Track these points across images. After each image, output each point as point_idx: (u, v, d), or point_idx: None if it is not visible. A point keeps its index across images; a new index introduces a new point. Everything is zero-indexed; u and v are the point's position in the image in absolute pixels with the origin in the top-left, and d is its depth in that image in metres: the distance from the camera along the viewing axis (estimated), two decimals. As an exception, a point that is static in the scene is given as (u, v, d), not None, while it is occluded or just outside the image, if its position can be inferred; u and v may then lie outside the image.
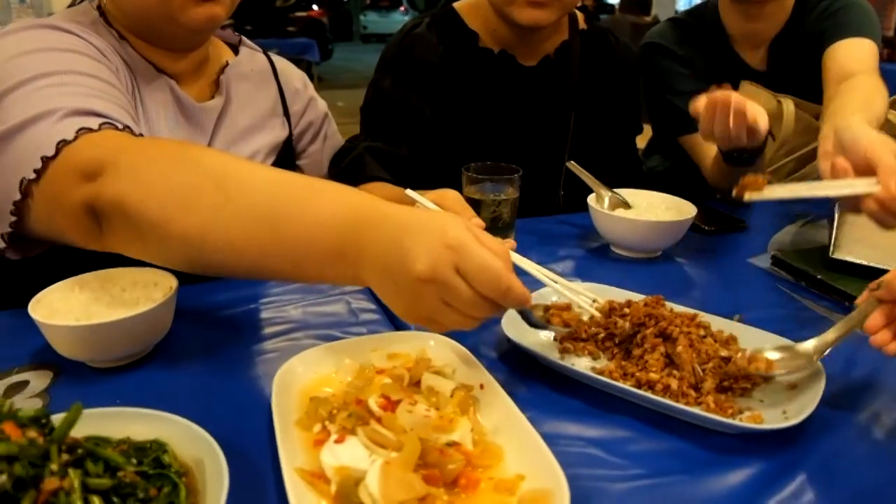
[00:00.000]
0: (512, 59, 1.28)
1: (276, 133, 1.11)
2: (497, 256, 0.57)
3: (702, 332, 0.72)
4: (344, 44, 17.05)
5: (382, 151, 1.20)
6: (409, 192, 0.84)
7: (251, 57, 1.13)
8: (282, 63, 1.18)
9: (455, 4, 1.33)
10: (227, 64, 1.06)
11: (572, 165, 1.17)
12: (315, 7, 10.90)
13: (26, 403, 0.65)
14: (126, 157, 0.67)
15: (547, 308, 0.75)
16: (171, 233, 0.64)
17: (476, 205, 1.03)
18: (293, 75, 1.19)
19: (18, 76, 0.75)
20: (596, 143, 1.36)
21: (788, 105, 1.41)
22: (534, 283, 0.70)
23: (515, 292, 0.57)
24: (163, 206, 0.64)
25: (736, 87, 1.40)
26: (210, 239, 0.64)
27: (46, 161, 0.69)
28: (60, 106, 0.72)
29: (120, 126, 0.73)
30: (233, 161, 0.69)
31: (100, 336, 0.67)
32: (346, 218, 0.61)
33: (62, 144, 0.69)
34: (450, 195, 0.87)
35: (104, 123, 0.72)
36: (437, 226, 0.57)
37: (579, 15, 1.37)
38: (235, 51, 1.11)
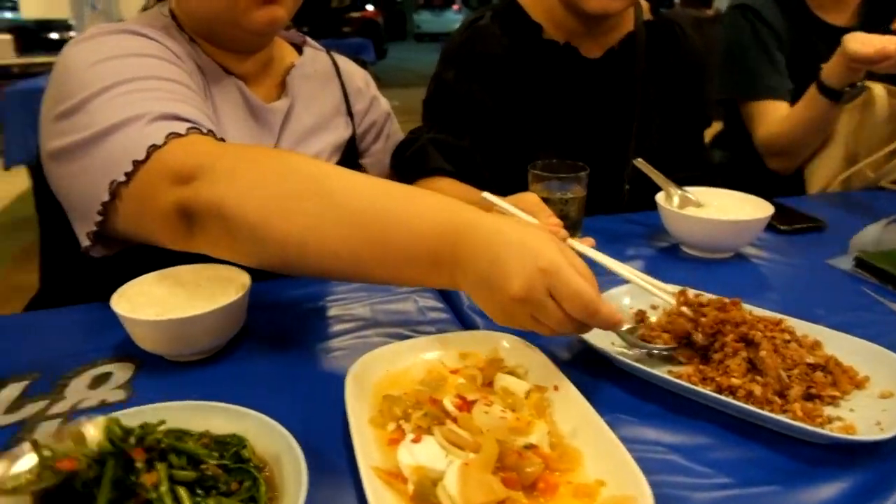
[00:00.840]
0: (576, 51, 1.26)
1: (339, 132, 1.12)
2: (588, 281, 0.60)
3: (786, 337, 0.69)
4: (398, 43, 17.19)
5: (445, 143, 1.20)
6: (486, 195, 0.83)
7: (315, 57, 1.14)
8: (344, 62, 1.19)
9: None
10: (292, 65, 1.07)
11: (640, 163, 1.14)
12: (370, 7, 11.03)
13: (111, 395, 0.67)
14: (223, 161, 0.69)
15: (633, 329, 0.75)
16: (270, 236, 0.66)
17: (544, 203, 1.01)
18: (356, 74, 1.19)
19: (101, 82, 0.77)
20: (662, 137, 1.33)
21: (878, 90, 1.39)
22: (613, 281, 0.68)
23: (604, 316, 0.60)
24: (263, 209, 0.66)
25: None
26: (311, 244, 0.66)
27: (137, 164, 0.71)
28: (147, 110, 0.74)
29: (204, 130, 0.75)
30: (331, 168, 0.71)
31: (179, 330, 0.68)
32: (443, 225, 0.63)
33: (152, 149, 0.71)
34: (527, 198, 0.87)
35: (191, 128, 0.74)
36: (533, 246, 0.60)
37: (644, 5, 1.34)
38: (300, 51, 1.13)
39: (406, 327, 0.80)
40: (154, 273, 0.77)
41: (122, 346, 0.75)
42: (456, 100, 1.24)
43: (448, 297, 0.88)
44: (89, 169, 0.74)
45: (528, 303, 0.59)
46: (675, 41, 1.34)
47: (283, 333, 0.80)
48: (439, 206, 0.65)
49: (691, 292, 0.76)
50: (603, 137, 1.29)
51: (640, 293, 0.80)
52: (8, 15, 12.54)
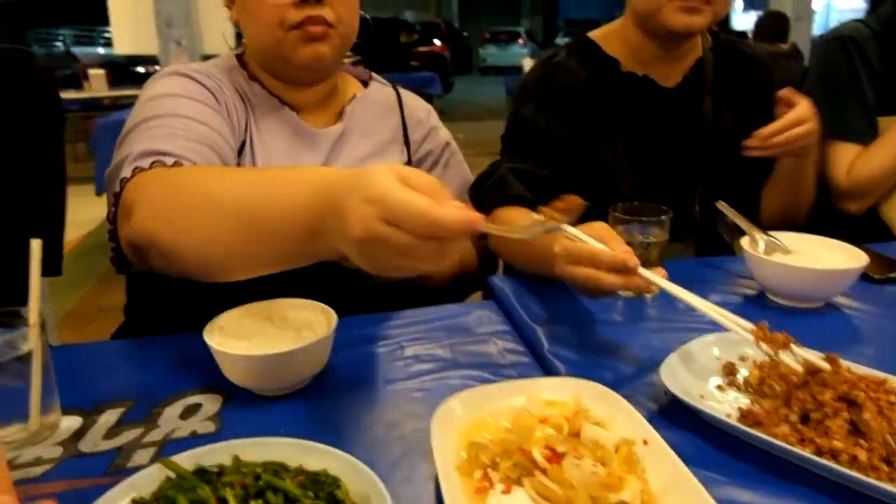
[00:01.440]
0: (653, 82, 1.26)
1: (393, 159, 1.15)
2: (421, 194, 0.54)
3: (891, 399, 0.65)
4: (463, 76, 17.44)
5: (525, 172, 1.19)
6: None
7: (380, 90, 1.21)
8: (409, 95, 1.24)
9: (590, 34, 1.32)
10: (354, 96, 1.15)
11: (722, 205, 1.11)
12: (437, 42, 11.26)
13: (201, 426, 0.69)
14: (145, 192, 0.78)
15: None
16: (182, 252, 0.74)
17: (623, 246, 1.00)
18: (418, 106, 1.24)
19: (139, 116, 0.92)
20: (738, 168, 1.30)
21: None
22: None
23: (445, 222, 0.53)
24: (171, 230, 0.74)
25: None
26: (211, 247, 0.73)
27: (116, 196, 0.82)
28: (143, 147, 0.85)
29: (169, 162, 0.83)
30: (213, 171, 0.80)
31: (269, 366, 0.70)
32: (313, 197, 0.63)
33: (124, 181, 0.82)
34: (596, 225, 0.86)
35: (155, 162, 0.82)
36: (359, 182, 0.57)
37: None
38: (366, 85, 1.21)
39: (486, 370, 0.80)
40: (243, 307, 0.79)
41: (210, 377, 0.77)
42: (535, 133, 1.24)
43: (528, 341, 0.88)
44: (108, 197, 0.86)
45: (373, 241, 0.55)
46: (744, 59, 1.34)
47: (364, 371, 0.81)
48: (310, 180, 0.65)
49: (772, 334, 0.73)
50: (676, 170, 1.28)
51: (730, 343, 0.77)
52: (101, 50, 13.40)
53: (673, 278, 1.08)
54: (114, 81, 6.28)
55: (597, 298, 0.88)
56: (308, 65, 1.01)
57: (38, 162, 0.88)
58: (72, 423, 0.71)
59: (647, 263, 1.01)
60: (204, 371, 0.79)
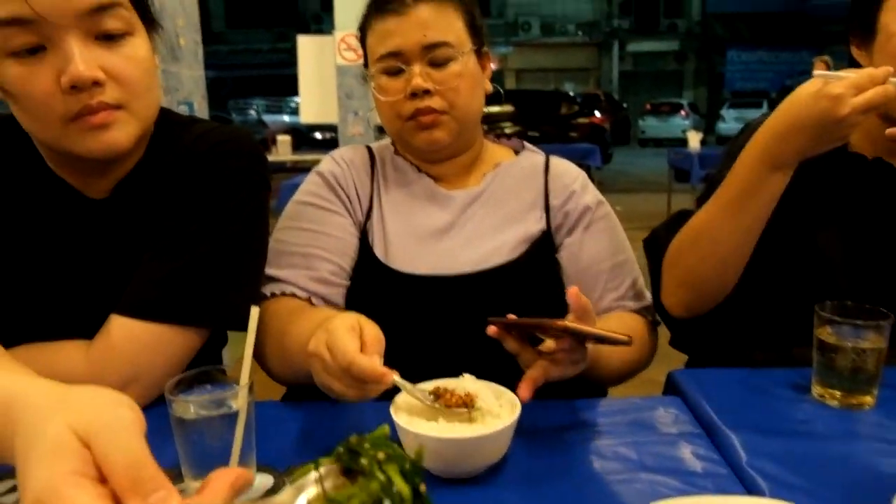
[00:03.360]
0: (886, 165, 1.11)
1: (530, 225, 1.12)
2: (359, 341, 0.73)
3: None
4: (621, 147, 17.27)
5: None
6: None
7: (531, 157, 1.21)
8: (559, 162, 1.21)
9: None
10: (499, 163, 1.17)
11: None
12: (597, 114, 11.28)
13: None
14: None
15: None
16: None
17: (832, 350, 0.90)
18: (565, 172, 1.19)
19: (285, 218, 1.11)
20: None
21: None
22: None
23: (359, 366, 0.70)
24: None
25: None
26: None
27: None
28: (269, 271, 1.04)
29: (278, 291, 1.03)
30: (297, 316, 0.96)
31: (456, 450, 0.69)
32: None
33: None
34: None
35: (273, 293, 1.03)
36: (325, 327, 0.76)
37: None
38: (516, 154, 1.22)
39: (678, 477, 0.74)
40: (429, 383, 0.80)
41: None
42: None
43: (722, 447, 0.80)
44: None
45: (316, 357, 0.75)
46: None
47: (541, 463, 0.77)
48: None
49: None
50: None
51: None
52: (286, 118, 14.93)
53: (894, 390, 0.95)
54: (296, 146, 6.90)
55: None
56: (426, 148, 1.09)
57: (246, 226, 0.96)
58: (264, 481, 0.74)
59: (860, 371, 0.90)
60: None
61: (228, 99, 18.51)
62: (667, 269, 1.11)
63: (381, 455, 0.49)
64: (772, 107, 1.08)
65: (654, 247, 1.19)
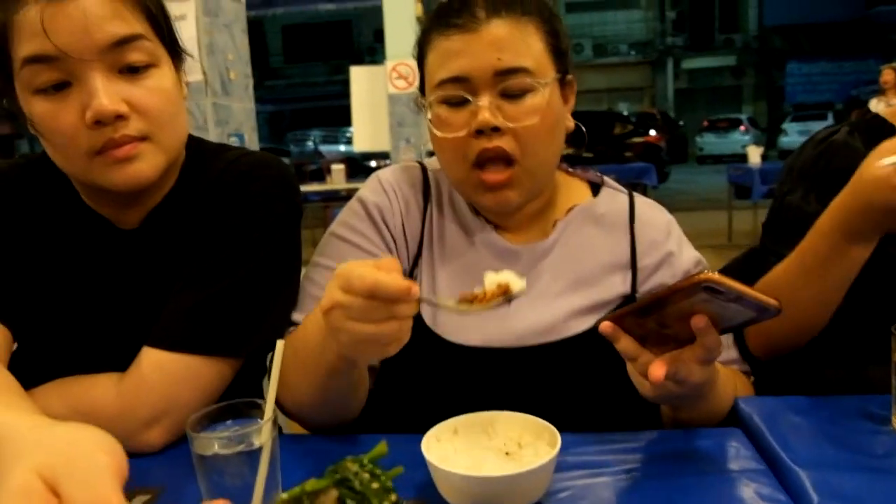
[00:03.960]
0: None
1: (612, 289, 0.97)
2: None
3: None
4: (679, 166, 16.91)
5: None
6: None
7: (611, 199, 1.03)
8: (645, 208, 1.04)
9: (882, 112, 1.11)
10: (574, 206, 1.00)
11: None
12: (652, 132, 11.08)
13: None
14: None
15: None
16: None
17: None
18: (655, 223, 1.02)
19: (319, 250, 1.00)
20: None
21: None
22: None
23: (384, 283, 0.63)
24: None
25: None
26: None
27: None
28: (294, 315, 0.95)
29: None
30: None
31: (491, 489, 0.64)
32: None
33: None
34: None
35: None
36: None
37: None
38: (596, 191, 1.05)
39: (738, 521, 0.67)
40: (461, 418, 0.75)
41: (422, 487, 0.73)
42: (802, 222, 1.03)
43: (790, 487, 0.72)
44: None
45: (334, 309, 0.66)
46: None
47: (591, 502, 0.71)
48: None
49: None
50: None
51: None
52: (342, 148, 15.29)
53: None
54: (350, 174, 7.02)
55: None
56: (495, 209, 0.94)
57: (276, 254, 0.94)
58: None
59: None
60: (417, 480, 0.75)
61: (287, 131, 19.07)
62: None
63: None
64: (837, 119, 1.05)
65: None
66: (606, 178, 1.07)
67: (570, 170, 1.07)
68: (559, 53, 0.92)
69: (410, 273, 0.98)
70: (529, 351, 0.91)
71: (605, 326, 0.72)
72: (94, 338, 0.92)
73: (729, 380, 0.90)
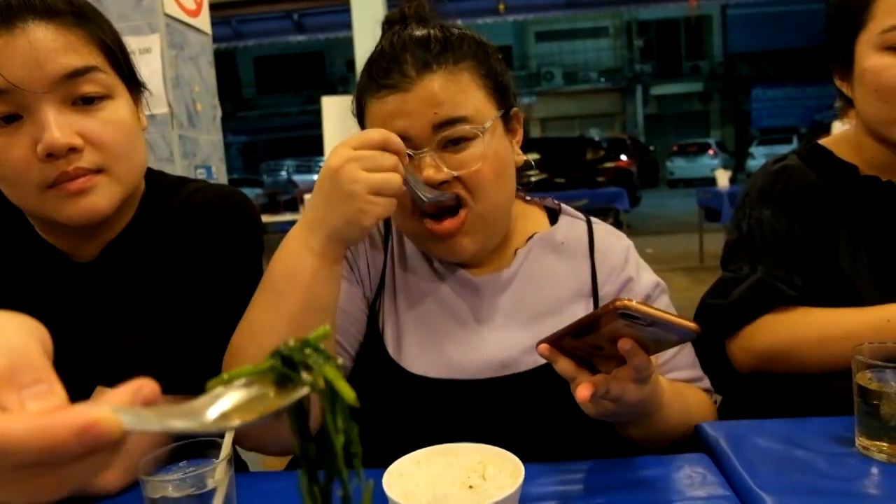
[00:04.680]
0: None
1: (574, 317, 0.90)
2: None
3: None
4: (650, 190, 17.17)
5: (781, 279, 1.06)
6: None
7: (570, 226, 1.04)
8: (603, 234, 1.04)
9: (820, 141, 1.20)
10: (532, 236, 1.00)
11: None
12: (623, 157, 11.25)
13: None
14: None
15: None
16: None
17: (875, 397, 0.81)
18: (614, 250, 1.02)
19: None
20: None
21: None
22: None
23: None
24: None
25: None
26: None
27: None
28: None
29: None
30: None
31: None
32: None
33: None
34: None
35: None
36: None
37: None
38: (554, 219, 1.05)
39: None
40: (423, 451, 0.74)
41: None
42: (778, 238, 1.10)
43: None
44: None
45: None
46: None
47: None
48: None
49: None
50: None
51: None
52: (315, 177, 15.36)
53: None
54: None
55: None
56: (451, 258, 0.95)
57: (237, 288, 0.92)
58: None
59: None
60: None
61: (260, 161, 19.01)
62: (768, 357, 1.06)
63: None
64: (802, 142, 1.13)
65: (708, 317, 1.11)
66: (564, 206, 1.08)
67: (528, 198, 1.08)
68: (500, 90, 0.93)
69: (374, 303, 0.97)
70: (492, 382, 0.91)
71: (543, 349, 0.74)
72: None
73: (682, 397, 0.91)
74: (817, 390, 1.05)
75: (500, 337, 0.94)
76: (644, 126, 25.61)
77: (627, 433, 0.88)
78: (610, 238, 1.04)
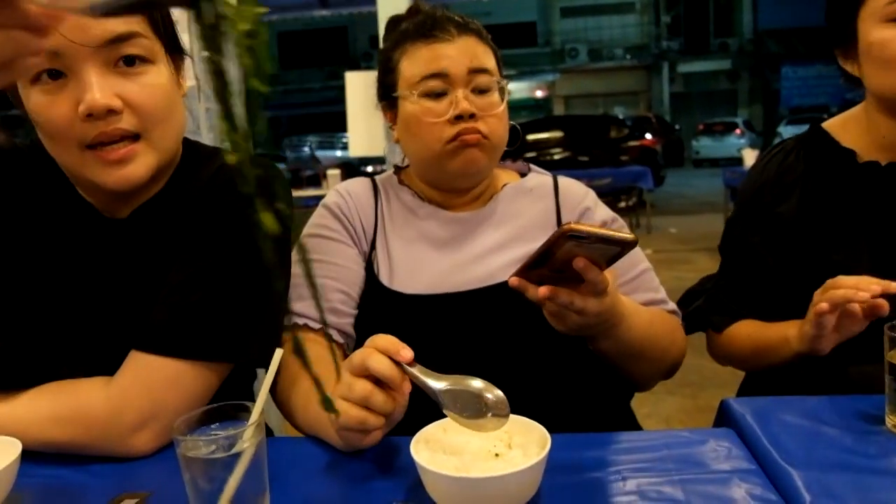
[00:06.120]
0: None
1: (534, 244, 1.05)
2: None
3: None
4: (675, 169, 16.94)
5: (749, 280, 1.16)
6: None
7: (538, 178, 1.21)
8: (567, 181, 1.22)
9: (825, 124, 1.19)
10: (505, 185, 1.16)
11: None
12: (648, 136, 11.08)
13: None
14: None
15: None
16: None
17: None
18: (576, 191, 1.20)
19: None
20: None
21: None
22: None
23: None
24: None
25: None
26: None
27: None
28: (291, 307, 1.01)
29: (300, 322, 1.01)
30: None
31: (476, 490, 0.64)
32: None
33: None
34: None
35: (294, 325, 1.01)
36: None
37: None
38: (525, 175, 1.21)
39: (731, 522, 0.66)
40: (449, 419, 0.75)
41: (413, 489, 0.73)
42: (742, 249, 1.19)
43: (782, 488, 0.72)
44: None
45: None
46: None
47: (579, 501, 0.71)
48: None
49: None
50: None
51: None
52: (338, 153, 15.31)
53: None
54: (344, 179, 7.01)
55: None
56: (463, 171, 1.07)
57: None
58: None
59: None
60: (408, 482, 0.74)
61: (284, 137, 19.06)
62: (726, 361, 1.22)
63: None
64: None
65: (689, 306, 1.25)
66: (532, 166, 1.25)
67: (501, 162, 1.24)
68: (500, 69, 1.14)
69: (369, 255, 1.12)
70: (473, 294, 1.04)
71: (513, 281, 0.84)
72: (77, 328, 0.92)
73: (645, 311, 1.03)
74: (835, 379, 1.04)
75: (481, 257, 1.09)
76: (670, 104, 25.16)
77: (599, 346, 0.98)
78: (573, 185, 1.22)
